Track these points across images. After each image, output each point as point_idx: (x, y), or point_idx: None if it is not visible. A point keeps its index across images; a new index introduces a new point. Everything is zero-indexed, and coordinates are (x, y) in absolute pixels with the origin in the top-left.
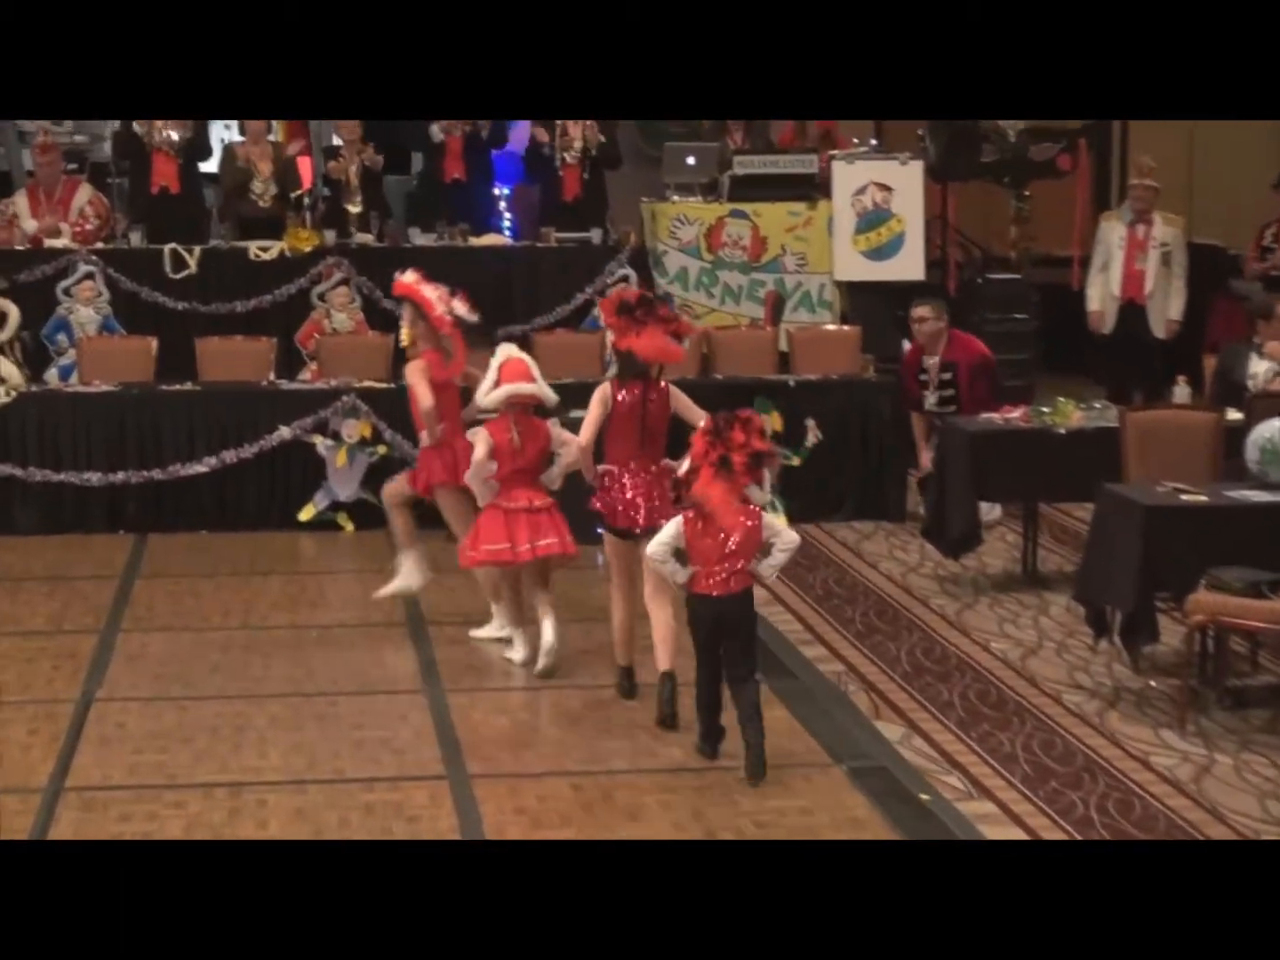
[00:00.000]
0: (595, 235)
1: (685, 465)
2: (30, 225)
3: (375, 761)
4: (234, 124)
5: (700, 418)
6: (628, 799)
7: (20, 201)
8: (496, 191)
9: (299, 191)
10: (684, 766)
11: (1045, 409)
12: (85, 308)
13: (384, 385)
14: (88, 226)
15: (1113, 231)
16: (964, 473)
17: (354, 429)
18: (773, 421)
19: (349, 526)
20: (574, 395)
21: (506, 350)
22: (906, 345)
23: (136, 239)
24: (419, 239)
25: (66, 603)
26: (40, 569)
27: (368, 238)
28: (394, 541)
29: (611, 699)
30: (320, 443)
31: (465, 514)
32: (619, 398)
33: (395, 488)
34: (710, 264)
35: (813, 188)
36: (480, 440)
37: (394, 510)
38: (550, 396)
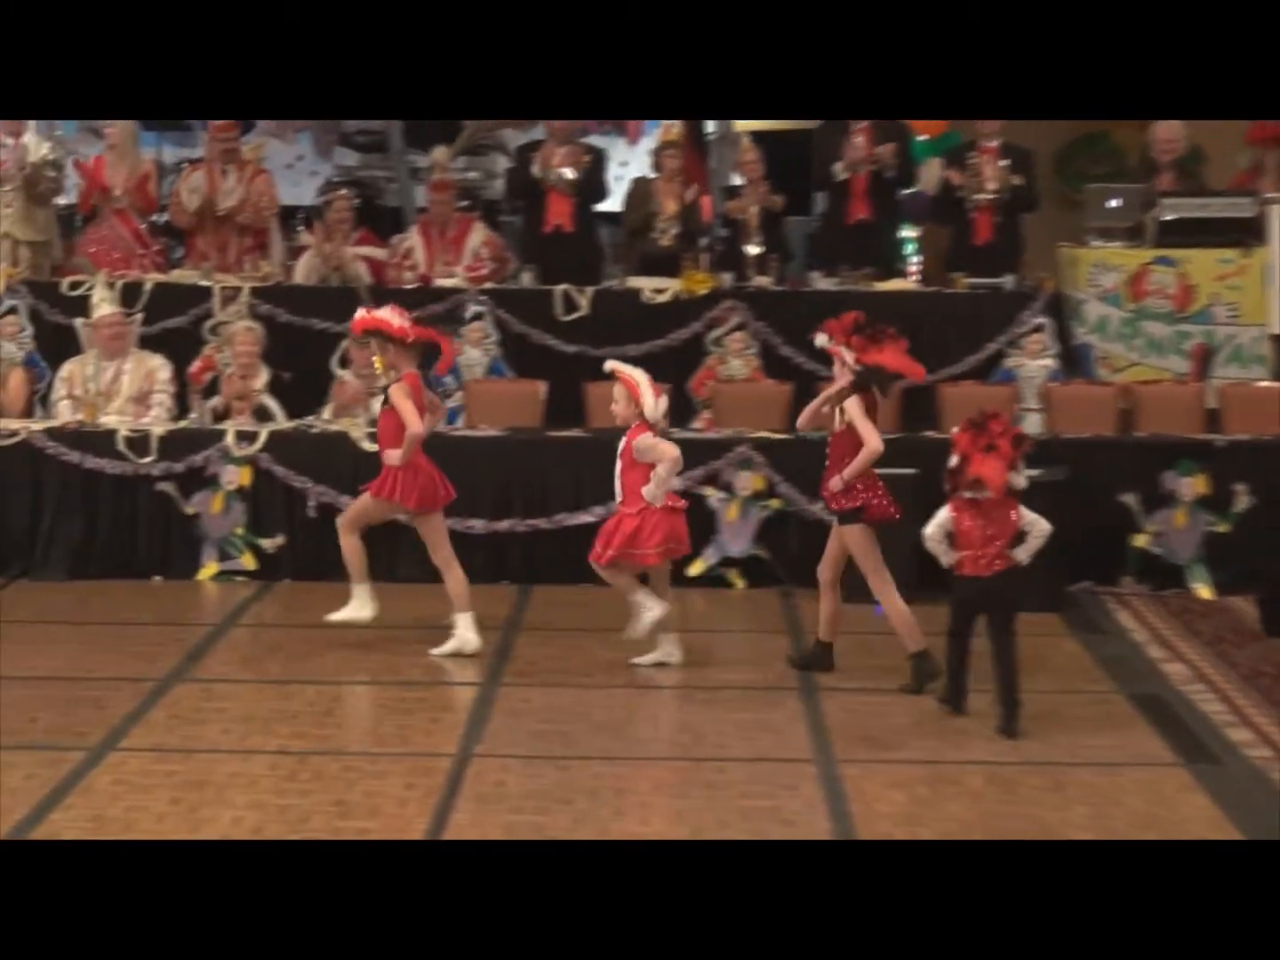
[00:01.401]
0: (1008, 281)
1: (953, 460)
2: (421, 262)
3: (763, 833)
4: (628, 163)
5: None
6: None
7: (414, 239)
8: (903, 234)
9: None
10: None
11: None
12: (474, 349)
13: (780, 436)
14: (483, 271)
15: None
16: None
17: (747, 481)
18: (1197, 485)
19: (739, 583)
20: None
21: (630, 369)
22: None
23: (528, 279)
24: (820, 283)
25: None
26: (418, 619)
27: (766, 281)
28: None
29: (1017, 775)
30: (712, 495)
31: (444, 535)
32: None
33: (360, 509)
34: (1133, 314)
35: (1248, 233)
36: (664, 444)
37: (349, 537)
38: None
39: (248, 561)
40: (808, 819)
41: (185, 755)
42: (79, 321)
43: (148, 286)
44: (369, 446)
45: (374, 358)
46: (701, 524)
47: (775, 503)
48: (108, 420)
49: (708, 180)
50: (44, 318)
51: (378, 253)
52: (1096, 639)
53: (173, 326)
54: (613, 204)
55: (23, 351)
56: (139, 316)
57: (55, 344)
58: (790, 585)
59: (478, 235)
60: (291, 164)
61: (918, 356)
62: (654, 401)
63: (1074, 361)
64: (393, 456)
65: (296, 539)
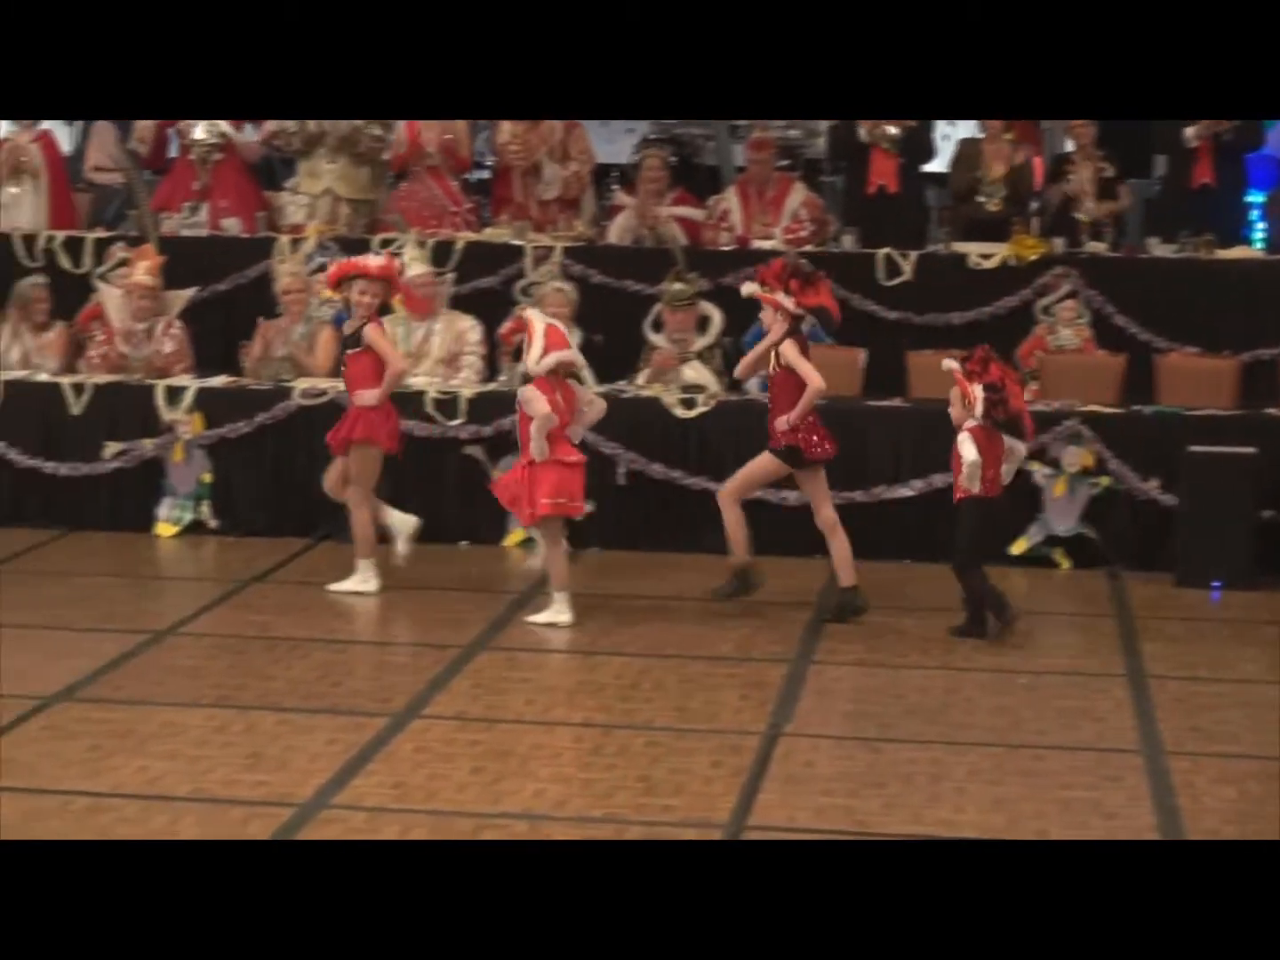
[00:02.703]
0: None
1: (981, 391)
2: (739, 224)
3: (1083, 825)
4: (956, 123)
5: None
6: None
7: (731, 200)
8: (1249, 199)
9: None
10: None
11: None
12: None
13: (1112, 410)
14: (801, 233)
15: None
16: None
17: (1075, 457)
18: None
19: (1065, 564)
20: None
21: (539, 316)
22: None
23: (849, 242)
24: (1157, 250)
25: (758, 629)
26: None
27: (1100, 247)
28: (353, 539)
29: None
30: (1038, 470)
31: (375, 477)
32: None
33: (363, 473)
34: None
35: None
36: (540, 400)
37: (363, 509)
38: (584, 363)
39: None
40: (1130, 813)
41: (488, 725)
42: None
43: (459, 245)
44: (682, 413)
45: (357, 307)
46: (1026, 500)
47: (1105, 480)
48: (416, 381)
49: (1040, 142)
50: None
51: (694, 213)
52: None
53: (483, 286)
54: (939, 164)
55: (331, 310)
56: (450, 276)
57: None
58: (1118, 567)
59: (797, 196)
60: (605, 120)
61: (1258, 329)
62: (539, 353)
63: None
64: (367, 397)
65: (606, 507)
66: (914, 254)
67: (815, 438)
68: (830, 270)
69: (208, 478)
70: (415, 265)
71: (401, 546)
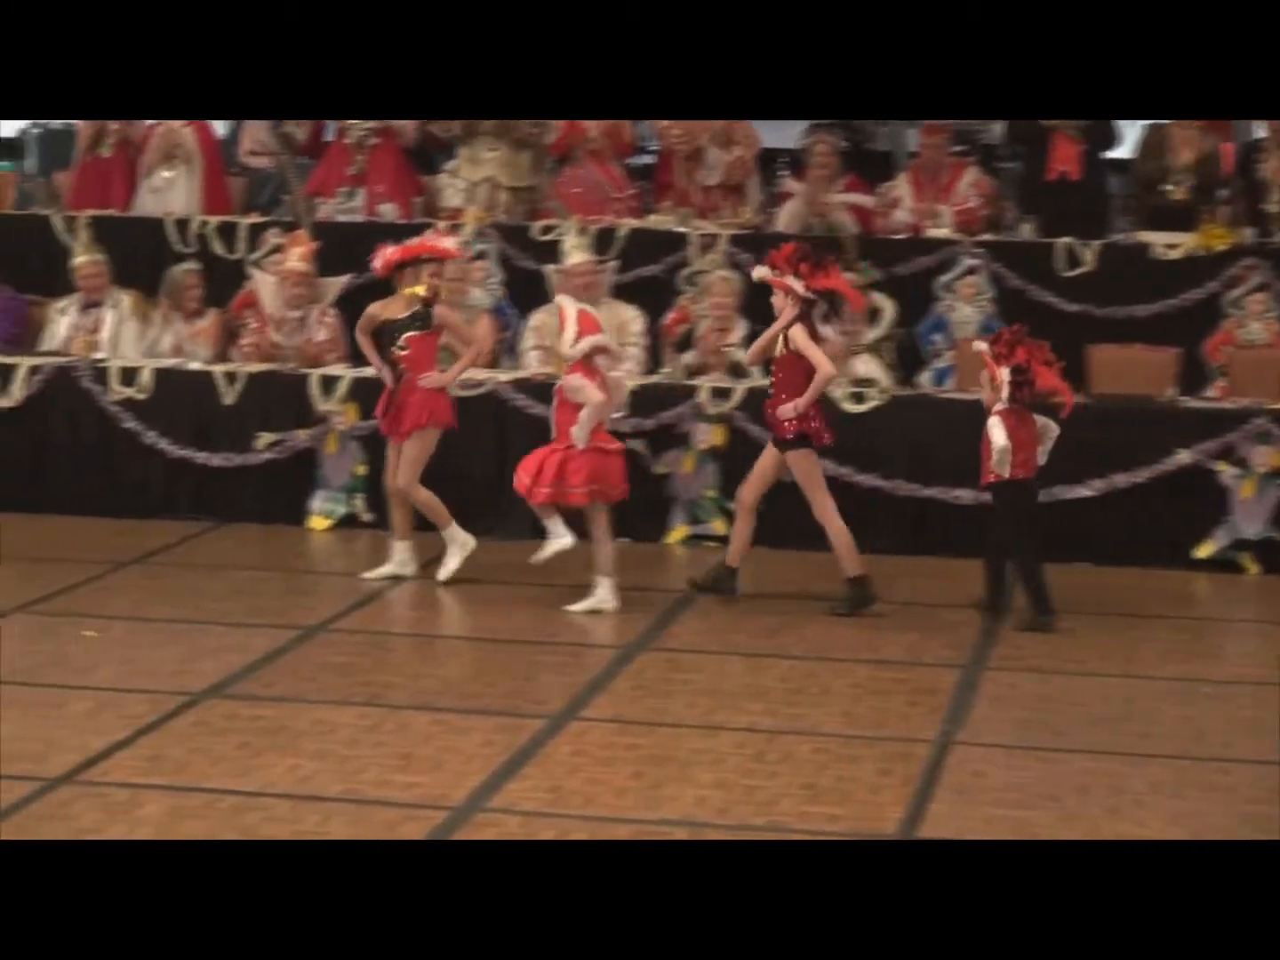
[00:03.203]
0: None
1: (1008, 374)
2: (907, 213)
3: None
4: None
5: None
6: None
7: (902, 186)
8: None
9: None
10: None
11: None
12: (966, 305)
13: None
14: (968, 204)
15: None
16: None
17: (1265, 457)
18: None
19: (1253, 569)
20: None
21: (571, 302)
22: None
23: (1027, 231)
24: None
25: (928, 633)
26: (902, 594)
27: None
28: (394, 525)
29: None
30: (1225, 470)
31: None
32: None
33: (423, 454)
34: None
35: None
36: (590, 387)
37: (420, 496)
38: (617, 349)
39: (718, 526)
40: None
41: (648, 728)
42: (550, 268)
43: (621, 232)
44: (850, 407)
45: (420, 285)
46: (1212, 502)
47: None
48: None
49: (1230, 129)
50: (514, 263)
51: (865, 200)
52: None
53: (646, 275)
54: (1123, 151)
55: (490, 298)
56: (612, 264)
57: (525, 291)
58: None
59: (967, 176)
60: None
61: None
62: (573, 337)
63: None
64: (435, 379)
65: (771, 503)
66: (1096, 244)
67: (816, 422)
68: (1006, 260)
69: (362, 470)
70: (576, 253)
71: (380, 571)
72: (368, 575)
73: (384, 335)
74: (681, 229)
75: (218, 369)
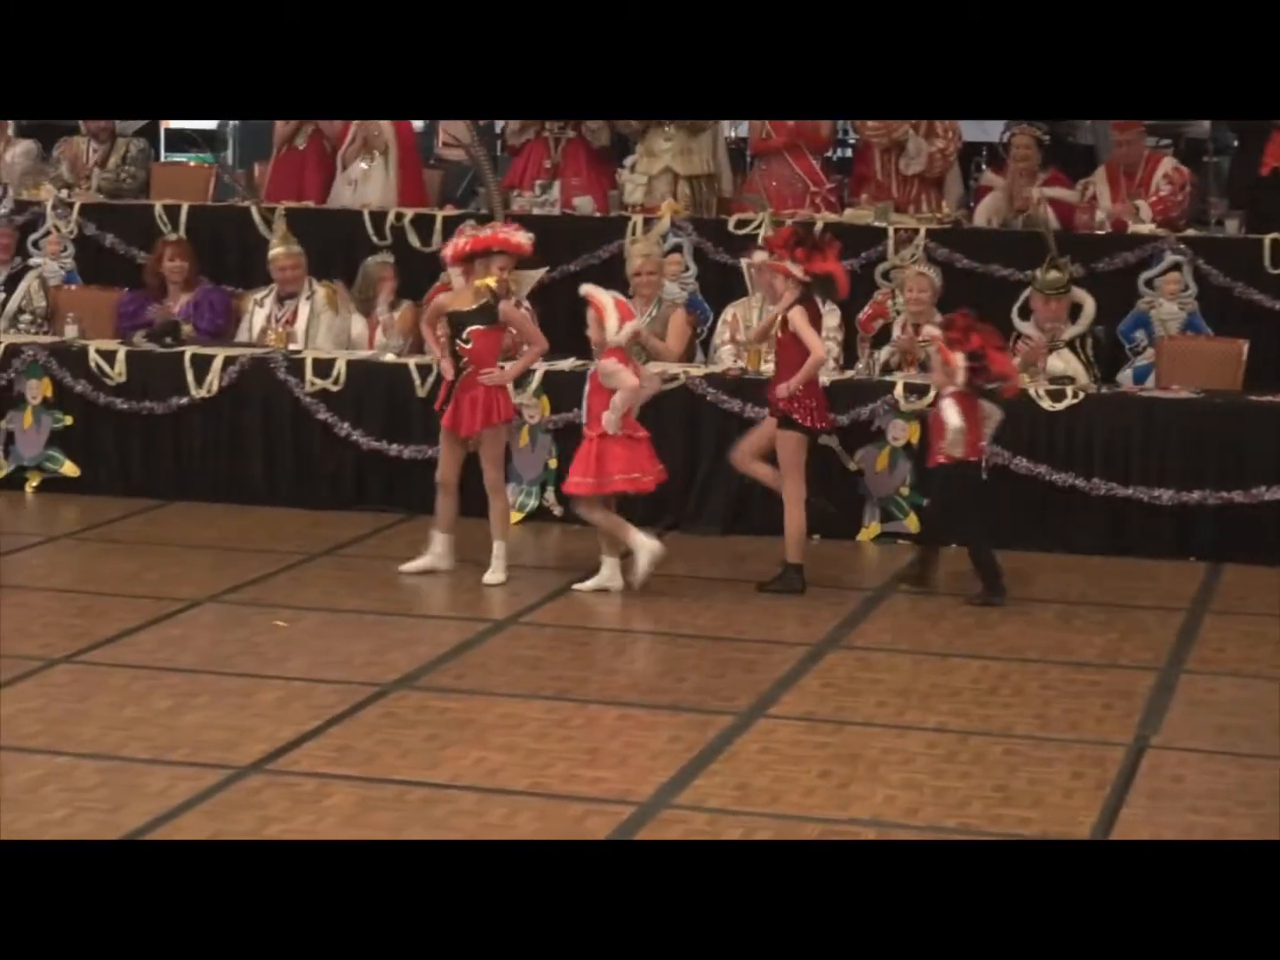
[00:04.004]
0: None
1: (963, 359)
2: (1104, 209)
3: None
4: None
5: None
6: None
7: (1100, 182)
8: None
9: None
10: None
11: None
12: (1169, 302)
13: None
14: (1162, 192)
15: None
16: None
17: None
18: None
19: None
20: None
21: (601, 290)
22: None
23: (1233, 227)
24: None
25: (1124, 634)
26: (1098, 594)
27: None
28: (438, 519)
29: None
30: None
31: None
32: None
33: (501, 453)
34: None
35: None
36: (626, 372)
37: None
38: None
39: (911, 524)
40: None
41: (837, 726)
42: (744, 262)
43: (818, 227)
44: (1049, 405)
45: (490, 278)
46: None
47: None
48: (769, 368)
49: None
50: (708, 257)
51: (1066, 195)
52: None
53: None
54: None
55: (685, 292)
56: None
57: (720, 285)
58: None
59: (1163, 168)
60: None
61: None
62: (617, 324)
63: None
64: (497, 376)
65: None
66: None
67: (812, 403)
68: (1211, 256)
69: (553, 463)
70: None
71: (416, 564)
72: (405, 568)
73: (450, 327)
74: (879, 223)
75: (411, 361)
